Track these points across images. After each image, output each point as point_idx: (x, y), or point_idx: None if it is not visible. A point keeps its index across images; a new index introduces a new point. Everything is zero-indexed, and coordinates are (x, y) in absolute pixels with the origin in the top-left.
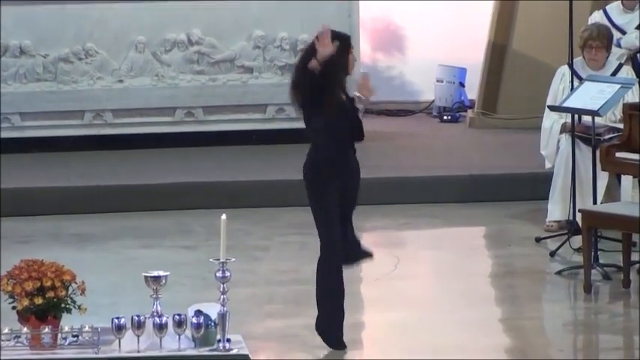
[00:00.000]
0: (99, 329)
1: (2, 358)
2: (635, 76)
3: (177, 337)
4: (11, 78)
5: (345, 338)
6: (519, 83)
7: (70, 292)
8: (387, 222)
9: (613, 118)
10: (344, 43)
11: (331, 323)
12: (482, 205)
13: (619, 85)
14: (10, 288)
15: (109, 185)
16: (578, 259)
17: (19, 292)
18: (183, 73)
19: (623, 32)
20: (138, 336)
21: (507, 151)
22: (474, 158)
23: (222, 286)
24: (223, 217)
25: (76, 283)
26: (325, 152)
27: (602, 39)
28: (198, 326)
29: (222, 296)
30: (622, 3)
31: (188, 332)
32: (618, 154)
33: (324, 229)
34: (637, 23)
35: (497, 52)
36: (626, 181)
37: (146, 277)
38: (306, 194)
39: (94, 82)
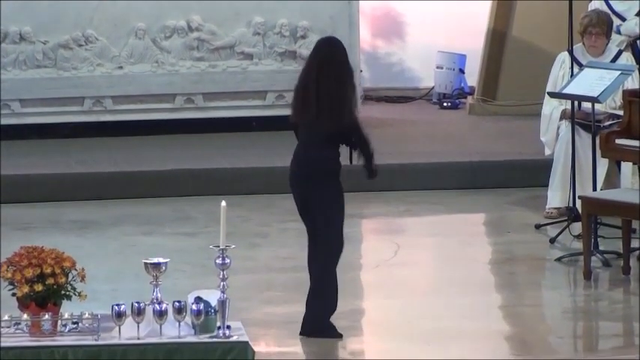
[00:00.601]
0: (99, 316)
1: (2, 344)
2: (635, 63)
3: (177, 323)
4: (11, 64)
5: (345, 324)
6: (519, 70)
7: (70, 279)
8: (387, 209)
9: (613, 104)
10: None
11: (328, 315)
12: (482, 192)
13: (619, 72)
14: (10, 275)
15: (108, 172)
16: (578, 245)
17: (19, 279)
18: (183, 60)
19: (623, 19)
20: (138, 323)
21: (507, 137)
22: (474, 145)
23: (221, 272)
24: (223, 203)
25: (76, 269)
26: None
27: (602, 25)
28: (198, 313)
29: (221, 283)
30: None
31: (188, 319)
32: (618, 141)
33: (337, 226)
34: (637, 10)
35: (497, 39)
36: (626, 167)
37: (146, 263)
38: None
39: (93, 69)
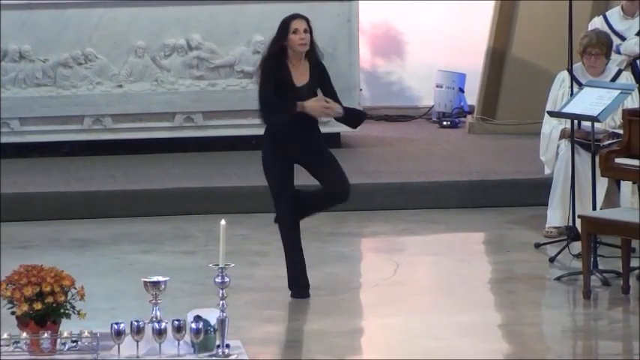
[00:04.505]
0: (98, 334)
1: None
2: (634, 82)
3: (177, 342)
4: (10, 83)
5: (345, 344)
6: (519, 89)
7: (69, 298)
8: (387, 227)
9: (612, 123)
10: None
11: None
12: (481, 211)
13: (618, 91)
14: (9, 293)
15: (108, 190)
16: (578, 265)
17: (18, 298)
18: (183, 78)
19: (623, 38)
20: (137, 341)
21: (507, 156)
22: (474, 164)
23: (221, 291)
24: (222, 222)
25: (75, 288)
26: (269, 128)
27: (601, 46)
28: (197, 331)
29: (221, 301)
30: (622, 9)
31: (187, 337)
32: (618, 160)
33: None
34: (637, 29)
35: (497, 58)
36: (626, 187)
37: (145, 282)
38: None
39: (93, 87)
